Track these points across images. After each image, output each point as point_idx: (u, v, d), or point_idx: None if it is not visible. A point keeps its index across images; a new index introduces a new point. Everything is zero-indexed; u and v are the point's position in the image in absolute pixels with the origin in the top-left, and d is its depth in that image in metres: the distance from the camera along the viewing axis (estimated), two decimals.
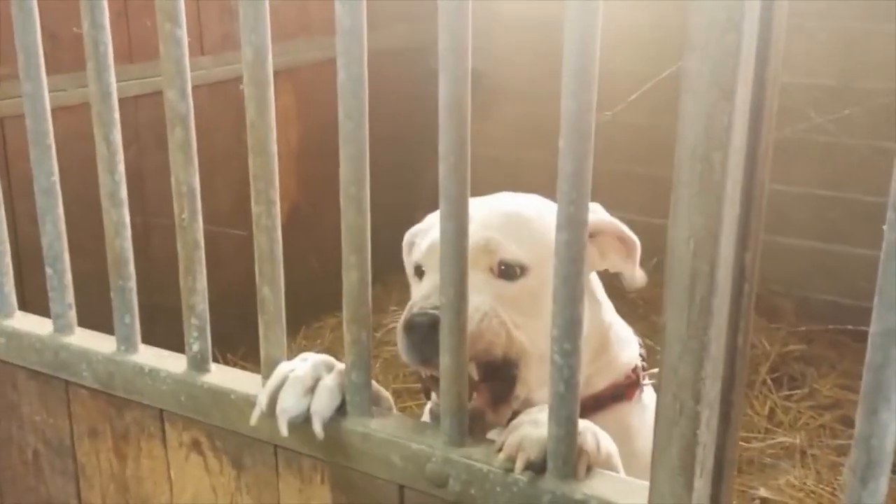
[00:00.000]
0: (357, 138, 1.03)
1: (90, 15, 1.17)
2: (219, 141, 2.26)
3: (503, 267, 1.13)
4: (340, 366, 1.11)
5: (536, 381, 1.13)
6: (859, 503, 0.77)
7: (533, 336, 1.12)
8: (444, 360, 1.02)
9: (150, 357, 1.25)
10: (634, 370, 1.25)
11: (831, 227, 3.12)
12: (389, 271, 1.78)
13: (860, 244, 3.06)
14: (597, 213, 1.18)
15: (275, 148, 1.11)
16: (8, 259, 1.35)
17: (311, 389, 1.09)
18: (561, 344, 0.94)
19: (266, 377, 1.13)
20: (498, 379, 1.13)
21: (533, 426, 0.99)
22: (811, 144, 3.05)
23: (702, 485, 0.82)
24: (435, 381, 1.06)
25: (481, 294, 1.10)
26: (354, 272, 1.05)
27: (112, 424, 1.28)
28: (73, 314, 1.31)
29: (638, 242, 1.20)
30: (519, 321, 1.11)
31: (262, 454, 1.17)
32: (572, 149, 0.90)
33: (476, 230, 1.08)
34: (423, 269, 1.20)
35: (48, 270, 1.29)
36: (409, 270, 1.26)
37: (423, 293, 1.11)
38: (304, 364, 1.10)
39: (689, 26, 0.78)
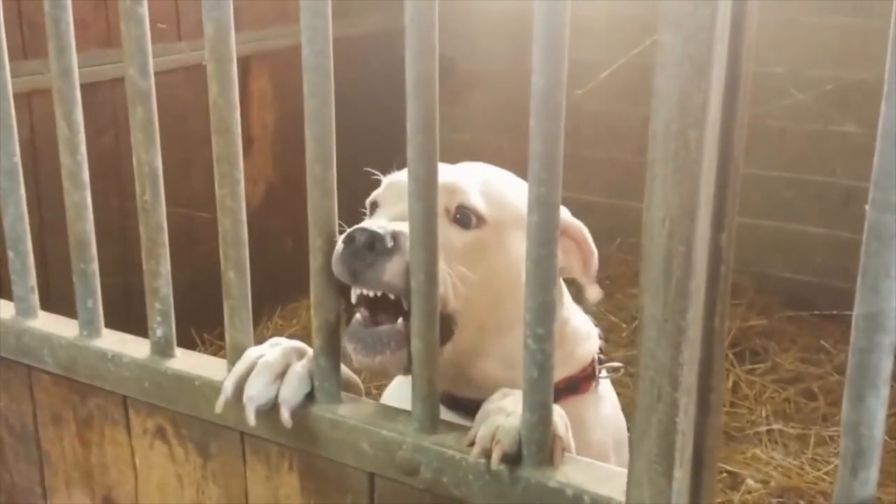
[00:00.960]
0: (322, 117, 0.99)
1: None
2: (196, 125, 2.23)
3: (460, 214, 1.08)
4: (311, 352, 1.08)
5: (468, 349, 1.09)
6: (850, 493, 0.74)
7: (473, 296, 1.06)
8: (415, 344, 0.99)
9: (114, 342, 1.21)
10: (592, 363, 1.22)
11: (786, 208, 3.27)
12: None
13: (814, 223, 3.22)
14: (563, 214, 1.14)
15: (238, 128, 1.07)
16: None
17: (280, 376, 1.06)
18: (534, 329, 0.91)
19: (232, 362, 1.10)
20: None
21: (503, 415, 0.96)
22: (765, 129, 3.19)
23: (682, 474, 0.80)
24: (364, 300, 1.03)
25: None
26: (320, 255, 1.02)
27: (75, 411, 1.25)
28: (35, 297, 1.27)
29: (596, 253, 1.17)
30: (463, 275, 1.06)
31: (228, 442, 1.14)
32: (543, 128, 0.87)
33: (444, 174, 1.04)
34: (378, 204, 1.15)
35: (10, 253, 1.25)
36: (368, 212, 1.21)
37: (373, 219, 1.08)
38: (273, 350, 1.07)
39: (663, 1, 0.75)
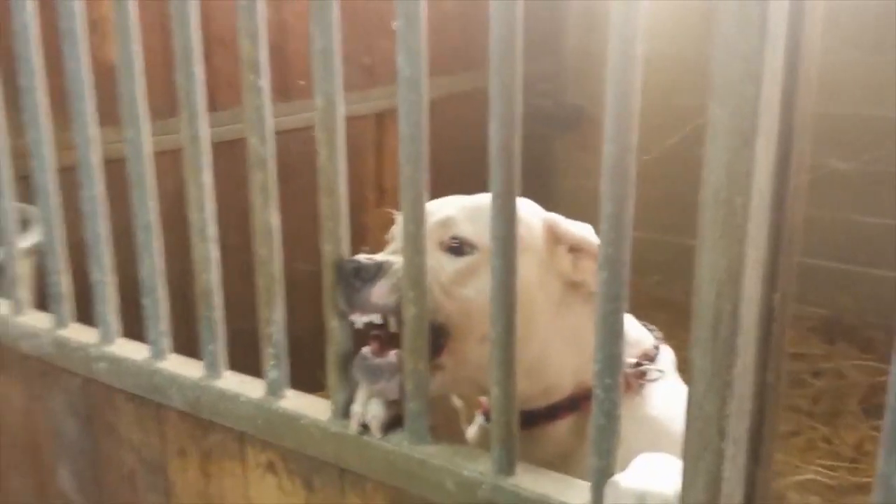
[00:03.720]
0: (415, 182, 1.10)
1: (185, 66, 1.28)
2: (302, 181, 2.39)
3: (455, 244, 1.19)
4: None
5: (470, 359, 1.18)
6: None
7: (468, 309, 1.16)
8: (494, 391, 1.07)
9: (233, 383, 1.34)
10: (636, 366, 1.27)
11: None
12: None
13: None
14: (587, 233, 1.23)
15: (344, 188, 1.19)
16: (112, 290, 1.48)
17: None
18: (602, 379, 0.98)
19: (335, 403, 1.21)
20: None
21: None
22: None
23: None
24: (374, 327, 1.16)
25: None
26: (412, 307, 1.12)
27: (198, 445, 1.38)
28: (165, 341, 1.42)
29: None
30: (453, 292, 1.16)
31: (329, 476, 1.24)
32: (613, 191, 0.94)
33: (439, 208, 1.20)
34: (390, 239, 1.27)
35: (145, 301, 1.41)
36: None
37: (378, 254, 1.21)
38: None
39: (711, 76, 0.82)
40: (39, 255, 1.69)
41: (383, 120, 3.15)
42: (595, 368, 0.98)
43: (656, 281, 3.47)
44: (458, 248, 1.20)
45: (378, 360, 1.16)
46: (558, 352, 1.22)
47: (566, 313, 1.24)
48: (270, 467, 1.31)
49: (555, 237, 1.24)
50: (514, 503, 1.07)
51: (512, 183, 1.03)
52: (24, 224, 1.72)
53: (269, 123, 1.24)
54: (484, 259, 1.17)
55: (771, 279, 0.86)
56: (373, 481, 1.19)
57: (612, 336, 0.97)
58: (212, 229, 1.33)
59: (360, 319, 1.14)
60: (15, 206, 1.61)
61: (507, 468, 1.09)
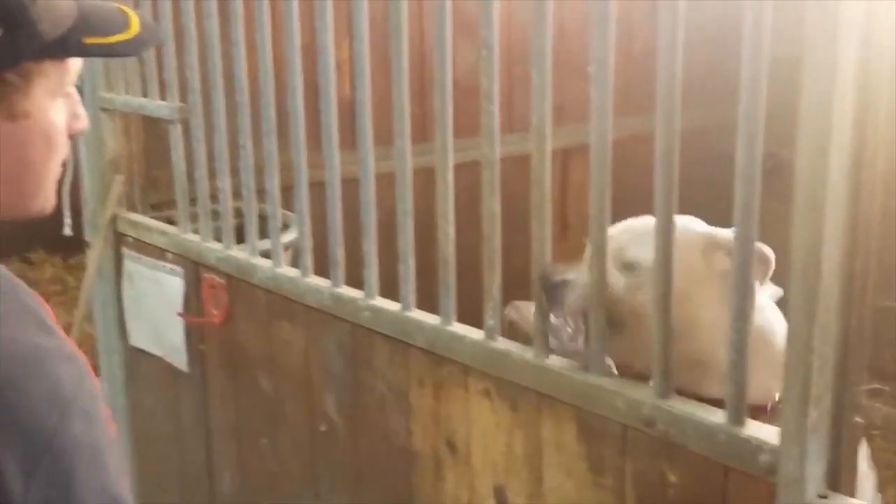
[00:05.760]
0: (601, 210, 1.50)
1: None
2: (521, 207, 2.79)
3: (626, 265, 1.59)
4: None
5: (637, 349, 1.57)
6: None
7: (637, 315, 1.56)
8: (655, 345, 1.45)
9: (461, 328, 1.79)
10: None
11: None
12: None
13: None
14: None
15: (549, 217, 1.61)
16: (374, 258, 1.97)
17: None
18: (735, 322, 1.34)
19: (536, 345, 1.63)
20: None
21: None
22: None
23: (815, 414, 1.19)
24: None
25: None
26: (597, 308, 1.52)
27: (433, 375, 1.84)
28: (413, 297, 1.89)
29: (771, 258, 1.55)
30: (628, 299, 1.57)
31: (529, 400, 1.66)
32: (743, 191, 1.30)
33: (615, 234, 1.57)
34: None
35: (400, 266, 1.88)
36: None
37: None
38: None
39: None
40: (294, 248, 2.25)
41: (569, 157, 3.44)
42: (730, 335, 1.34)
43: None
44: (629, 267, 1.60)
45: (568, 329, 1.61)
46: (718, 342, 1.52)
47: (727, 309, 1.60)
48: (486, 393, 1.74)
49: (714, 245, 1.61)
50: (668, 419, 1.44)
51: (670, 214, 1.40)
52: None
53: (496, 136, 1.68)
54: (647, 274, 1.55)
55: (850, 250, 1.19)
56: (562, 403, 1.60)
57: (742, 293, 1.33)
58: (450, 215, 1.79)
59: (555, 319, 1.59)
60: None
61: (663, 392, 1.46)
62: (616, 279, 1.58)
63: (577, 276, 1.58)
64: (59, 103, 1.05)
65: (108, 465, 0.95)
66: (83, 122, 1.10)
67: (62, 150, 1.08)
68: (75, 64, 1.06)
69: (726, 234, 1.61)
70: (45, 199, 1.09)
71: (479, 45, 1.65)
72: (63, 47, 1.01)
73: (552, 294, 1.57)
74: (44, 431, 0.90)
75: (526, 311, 1.75)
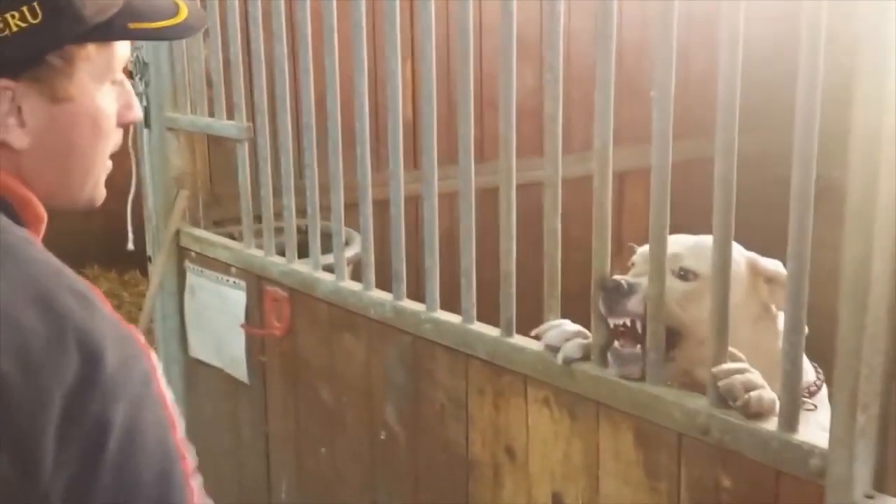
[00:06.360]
0: (661, 220, 1.58)
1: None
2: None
3: (682, 273, 1.66)
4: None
5: (691, 357, 1.64)
6: None
7: (690, 324, 1.63)
8: (713, 360, 1.52)
9: (521, 340, 1.87)
10: None
11: None
12: None
13: None
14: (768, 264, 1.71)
15: (608, 231, 1.69)
16: (436, 273, 2.06)
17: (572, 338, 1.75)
18: (789, 342, 1.41)
19: (595, 357, 1.71)
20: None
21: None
22: None
23: (863, 419, 1.25)
24: (619, 329, 1.65)
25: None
26: (656, 315, 1.60)
27: (493, 385, 1.92)
28: (473, 310, 1.97)
29: None
30: (684, 307, 1.64)
31: (588, 409, 1.73)
32: (798, 211, 1.37)
33: (670, 244, 1.62)
34: (632, 265, 1.76)
35: (462, 280, 1.97)
36: None
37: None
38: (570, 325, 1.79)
39: None
40: (356, 263, 2.34)
41: (625, 179, 3.53)
42: (784, 346, 1.41)
43: None
44: (684, 275, 1.67)
45: (627, 351, 1.66)
46: (754, 360, 1.60)
47: (761, 329, 1.70)
48: (545, 402, 1.82)
49: (755, 271, 1.70)
50: (723, 427, 1.51)
51: (728, 230, 1.48)
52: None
53: (559, 157, 1.77)
54: (704, 285, 1.63)
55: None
56: (620, 412, 1.67)
57: (796, 305, 1.40)
58: (512, 230, 1.88)
59: (616, 321, 1.65)
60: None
61: (717, 403, 1.53)
62: (672, 285, 1.65)
63: (636, 281, 1.65)
64: (107, 89, 1.06)
65: (147, 452, 0.94)
66: (136, 113, 1.10)
67: (111, 138, 1.08)
68: (123, 50, 1.06)
69: (769, 262, 1.71)
70: (94, 189, 1.09)
71: (544, 69, 1.74)
72: (107, 31, 1.01)
73: (612, 297, 1.63)
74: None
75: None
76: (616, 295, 1.63)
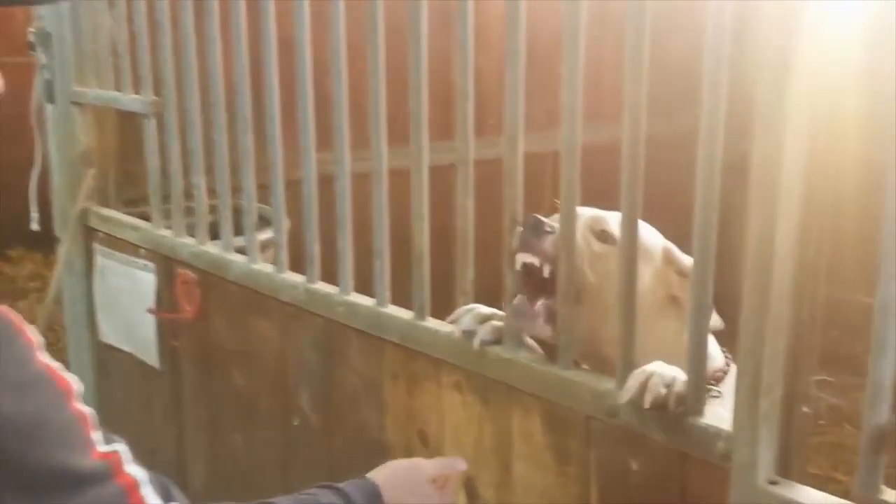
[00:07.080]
0: (572, 181, 1.56)
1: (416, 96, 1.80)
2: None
3: (602, 234, 1.65)
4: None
5: (594, 327, 1.63)
6: None
7: (594, 283, 1.62)
8: (621, 339, 1.51)
9: (434, 323, 1.84)
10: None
11: None
12: None
13: None
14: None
15: (520, 176, 1.67)
16: (349, 255, 2.01)
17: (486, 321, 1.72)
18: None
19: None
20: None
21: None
22: None
23: (766, 403, 1.25)
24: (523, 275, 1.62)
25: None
26: (566, 262, 1.58)
27: (406, 369, 1.89)
28: (387, 293, 1.94)
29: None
30: (594, 264, 1.63)
31: (499, 392, 1.71)
32: (703, 188, 1.37)
33: (594, 211, 1.65)
34: None
35: (375, 262, 1.93)
36: None
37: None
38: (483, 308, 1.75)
39: None
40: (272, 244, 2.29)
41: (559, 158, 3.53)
42: (690, 329, 1.40)
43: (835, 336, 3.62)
44: (603, 237, 1.65)
45: (525, 308, 1.63)
46: (649, 348, 1.56)
47: (663, 318, 1.69)
48: (457, 386, 1.79)
49: (669, 259, 1.69)
50: (630, 410, 1.50)
51: (635, 207, 1.46)
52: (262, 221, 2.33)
53: (471, 139, 1.74)
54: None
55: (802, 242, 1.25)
56: (530, 395, 1.66)
57: (702, 287, 1.39)
58: (425, 209, 1.84)
59: (526, 259, 1.61)
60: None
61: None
62: (588, 244, 1.64)
63: (557, 225, 1.61)
64: None
65: (52, 436, 0.96)
66: None
67: None
68: None
69: (685, 257, 1.68)
70: None
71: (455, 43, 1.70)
72: None
73: (529, 232, 1.59)
74: None
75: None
76: (534, 231, 1.59)
